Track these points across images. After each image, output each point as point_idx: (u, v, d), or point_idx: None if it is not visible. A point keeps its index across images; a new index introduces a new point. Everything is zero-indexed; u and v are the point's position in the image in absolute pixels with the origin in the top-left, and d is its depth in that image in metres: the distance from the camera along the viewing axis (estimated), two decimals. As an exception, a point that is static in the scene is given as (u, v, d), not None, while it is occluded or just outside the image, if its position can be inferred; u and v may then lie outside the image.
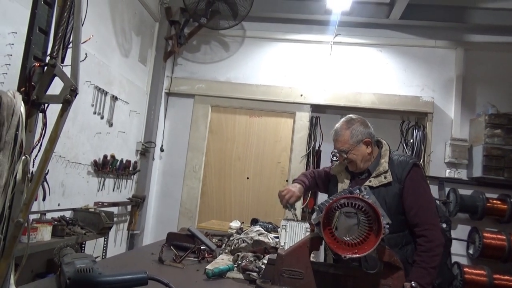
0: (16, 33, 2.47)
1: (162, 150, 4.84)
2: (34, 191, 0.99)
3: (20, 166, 0.97)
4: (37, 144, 1.07)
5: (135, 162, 4.31)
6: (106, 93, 3.64)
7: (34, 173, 1.04)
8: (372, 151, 2.05)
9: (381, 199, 1.86)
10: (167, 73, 4.88)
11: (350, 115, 2.14)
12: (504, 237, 3.94)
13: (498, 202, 4.10)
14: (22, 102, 0.98)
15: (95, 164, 3.54)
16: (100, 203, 3.60)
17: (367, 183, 1.95)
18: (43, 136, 1.08)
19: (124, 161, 4.01)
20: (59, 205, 3.08)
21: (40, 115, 1.08)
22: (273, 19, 4.84)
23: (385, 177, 1.94)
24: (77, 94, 1.03)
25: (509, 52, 4.50)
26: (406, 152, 4.43)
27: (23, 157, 0.99)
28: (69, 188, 3.22)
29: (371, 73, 4.66)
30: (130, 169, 4.15)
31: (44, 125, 1.09)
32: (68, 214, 3.14)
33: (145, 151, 4.52)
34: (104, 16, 3.59)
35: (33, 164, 1.07)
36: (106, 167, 3.68)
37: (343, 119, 2.13)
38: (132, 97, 4.20)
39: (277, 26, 4.85)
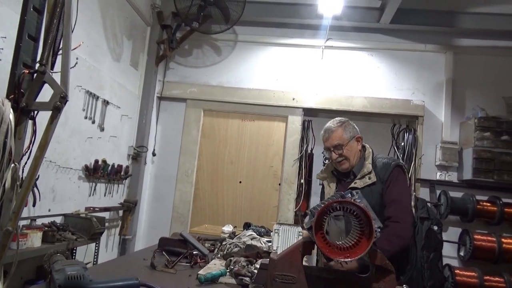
0: (5, 37, 2.45)
1: (154, 154, 4.82)
2: (23, 199, 0.99)
3: (9, 174, 0.96)
4: (27, 152, 1.06)
5: (127, 167, 4.29)
6: (98, 97, 3.62)
7: (23, 180, 1.03)
8: (361, 148, 2.10)
9: (366, 199, 1.91)
10: (159, 77, 4.87)
11: (338, 118, 2.21)
12: (494, 239, 3.98)
13: (488, 204, 4.14)
14: (11, 110, 0.97)
15: (86, 169, 3.51)
16: (91, 208, 3.56)
17: (352, 185, 1.98)
18: (33, 143, 1.08)
19: (115, 166, 3.99)
20: (49, 210, 3.05)
21: (30, 122, 1.07)
22: (265, 23, 4.86)
23: (369, 178, 1.99)
24: (67, 101, 1.03)
25: (497, 56, 4.57)
26: (397, 155, 4.47)
27: (12, 165, 0.98)
28: (60, 194, 3.19)
29: (362, 77, 4.69)
30: (122, 173, 4.13)
31: (34, 132, 1.08)
32: (58, 220, 3.11)
33: (137, 155, 4.49)
34: (95, 21, 3.57)
35: (23, 171, 1.06)
36: (97, 172, 3.66)
37: (332, 120, 2.17)
38: (123, 101, 4.18)
39: (269, 30, 4.87)
